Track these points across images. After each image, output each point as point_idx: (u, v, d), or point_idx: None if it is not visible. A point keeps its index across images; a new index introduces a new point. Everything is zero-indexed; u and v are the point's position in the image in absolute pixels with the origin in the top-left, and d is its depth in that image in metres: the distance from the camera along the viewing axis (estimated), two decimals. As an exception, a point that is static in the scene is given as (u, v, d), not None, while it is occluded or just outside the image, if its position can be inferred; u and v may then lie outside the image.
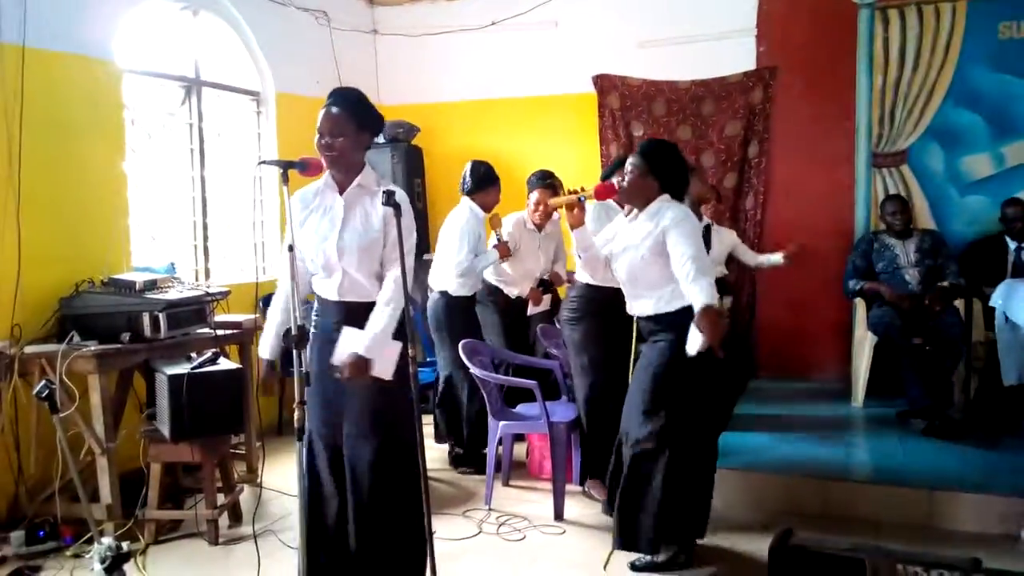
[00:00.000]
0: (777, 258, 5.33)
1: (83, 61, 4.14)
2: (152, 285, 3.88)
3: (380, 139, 5.59)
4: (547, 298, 4.90)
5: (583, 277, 3.86)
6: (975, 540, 3.34)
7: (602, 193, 3.28)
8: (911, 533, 3.44)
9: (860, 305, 5.19)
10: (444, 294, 4.49)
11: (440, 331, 4.51)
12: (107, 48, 4.29)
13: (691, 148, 5.98)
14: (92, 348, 3.56)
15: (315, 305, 2.90)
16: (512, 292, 4.67)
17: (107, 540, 2.44)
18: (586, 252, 3.33)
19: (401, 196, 2.71)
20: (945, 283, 4.85)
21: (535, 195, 4.61)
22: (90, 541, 3.35)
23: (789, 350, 5.97)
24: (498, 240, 4.47)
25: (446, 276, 4.48)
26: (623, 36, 6.18)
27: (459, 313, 4.48)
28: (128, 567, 3.01)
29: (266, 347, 2.94)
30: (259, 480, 4.13)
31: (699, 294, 2.88)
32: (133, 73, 4.56)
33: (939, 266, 4.96)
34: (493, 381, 4.04)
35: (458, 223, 4.47)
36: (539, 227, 4.67)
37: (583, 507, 3.93)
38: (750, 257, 5.49)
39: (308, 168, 2.74)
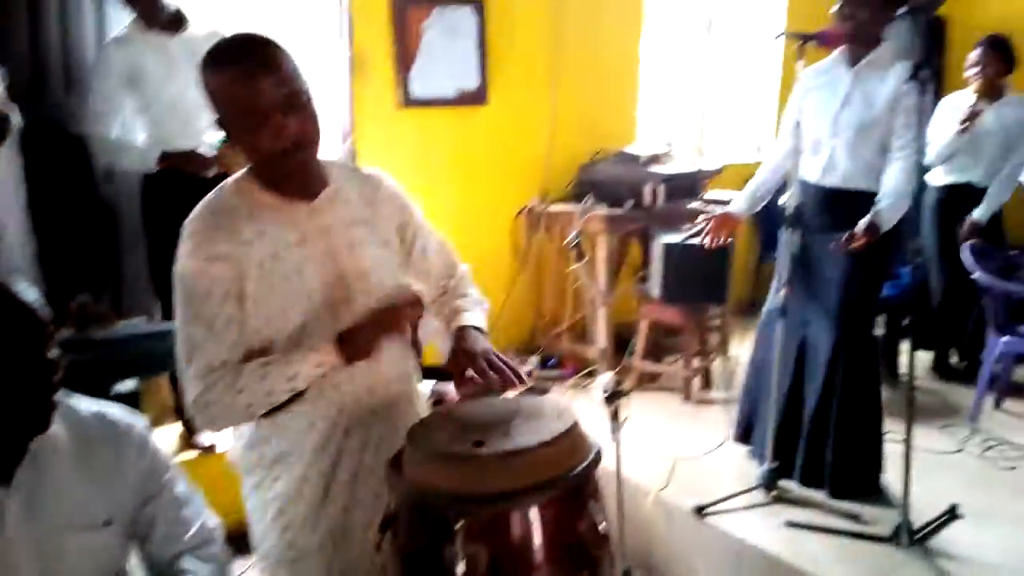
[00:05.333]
0: None
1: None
2: (654, 159, 4.19)
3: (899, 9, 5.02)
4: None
5: None
6: None
7: None
8: None
9: None
10: None
11: None
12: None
13: None
14: (602, 211, 4.02)
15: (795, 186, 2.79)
16: None
17: (610, 375, 2.86)
18: None
19: (925, 74, 2.49)
20: None
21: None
22: (587, 375, 3.95)
23: None
24: None
25: None
26: None
27: None
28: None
29: (735, 203, 3.07)
30: (728, 352, 4.32)
31: None
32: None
33: None
34: (1001, 290, 3.58)
35: None
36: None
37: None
38: None
39: (827, 40, 2.67)
